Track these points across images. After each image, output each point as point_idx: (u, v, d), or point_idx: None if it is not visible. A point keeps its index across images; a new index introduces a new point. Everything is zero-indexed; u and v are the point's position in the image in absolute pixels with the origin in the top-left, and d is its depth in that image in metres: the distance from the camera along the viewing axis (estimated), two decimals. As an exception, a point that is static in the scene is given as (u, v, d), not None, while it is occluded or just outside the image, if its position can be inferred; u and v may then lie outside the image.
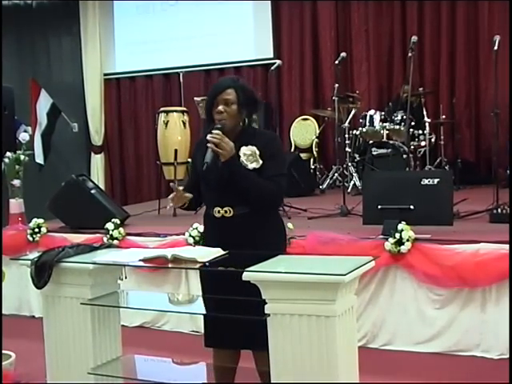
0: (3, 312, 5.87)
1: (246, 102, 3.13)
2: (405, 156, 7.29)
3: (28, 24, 9.47)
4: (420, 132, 7.87)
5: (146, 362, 3.54)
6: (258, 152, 3.10)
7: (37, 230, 5.79)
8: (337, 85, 7.15)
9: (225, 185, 3.09)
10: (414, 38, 6.37)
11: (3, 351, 4.07)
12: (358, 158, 8.05)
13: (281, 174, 3.14)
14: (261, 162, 3.09)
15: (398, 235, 4.44)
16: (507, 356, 4.18)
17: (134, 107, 10.50)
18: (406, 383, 3.88)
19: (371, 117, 7.91)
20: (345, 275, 2.47)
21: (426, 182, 4.84)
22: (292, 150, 9.02)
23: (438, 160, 7.96)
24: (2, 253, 5.18)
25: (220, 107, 3.10)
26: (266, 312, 2.60)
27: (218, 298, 3.07)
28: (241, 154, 3.09)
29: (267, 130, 3.27)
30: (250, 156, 3.09)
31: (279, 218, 3.30)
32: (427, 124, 7.86)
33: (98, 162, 10.56)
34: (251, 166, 3.08)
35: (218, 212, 3.14)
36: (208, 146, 3.05)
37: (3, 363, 3.90)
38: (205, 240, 3.38)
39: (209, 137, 3.04)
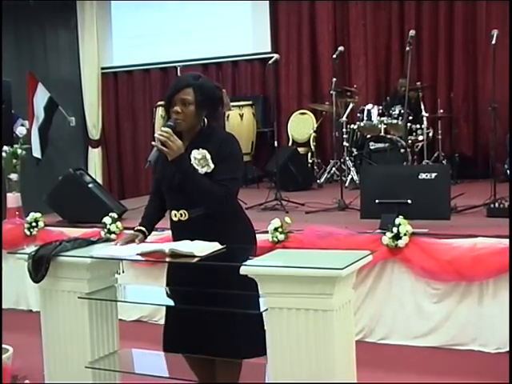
0: (0, 306, 5.89)
1: (205, 101, 3.00)
2: (402, 150, 7.30)
3: (25, 17, 9.44)
4: (418, 126, 7.87)
5: (143, 356, 3.53)
6: (208, 156, 2.97)
7: (34, 224, 5.79)
8: (334, 79, 7.14)
9: (177, 186, 3.01)
10: (412, 32, 6.37)
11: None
12: (355, 153, 8.04)
13: (231, 177, 3.00)
14: (212, 166, 2.97)
15: (395, 229, 4.44)
16: (504, 350, 4.19)
17: (131, 101, 10.48)
18: (404, 382, 3.88)
19: (369, 111, 7.90)
20: (342, 269, 2.47)
21: (423, 176, 4.84)
22: (289, 144, 9.03)
23: (435, 154, 7.96)
24: (1, 248, 5.19)
25: (177, 107, 2.99)
26: (263, 306, 2.60)
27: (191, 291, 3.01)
28: (192, 157, 2.98)
29: (224, 131, 3.12)
30: (200, 160, 2.97)
31: (242, 218, 3.17)
32: (425, 118, 7.86)
33: (95, 156, 10.54)
34: (202, 170, 2.97)
35: (175, 215, 3.07)
36: (153, 144, 2.96)
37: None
38: None
39: (156, 134, 2.96)
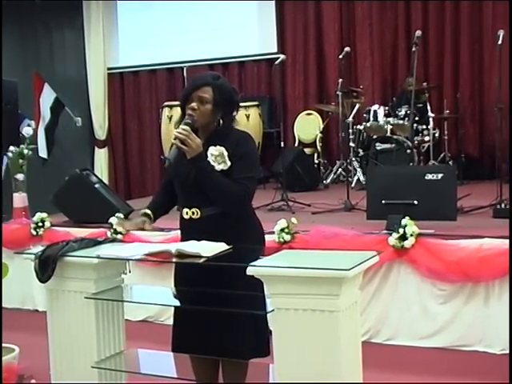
0: (7, 306, 5.90)
1: (222, 102, 2.99)
2: (409, 151, 7.29)
3: (31, 17, 9.46)
4: (424, 127, 7.86)
5: (149, 356, 3.54)
6: (226, 153, 2.97)
7: (40, 224, 5.80)
8: (341, 79, 7.13)
9: (191, 184, 2.99)
10: (418, 33, 6.36)
11: (7, 345, 4.08)
12: (361, 153, 8.03)
13: (248, 176, 2.99)
14: (229, 163, 2.97)
15: (401, 230, 4.44)
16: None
17: (137, 102, 10.49)
18: (410, 383, 3.88)
19: (375, 112, 7.90)
20: (349, 270, 2.47)
21: (429, 177, 4.84)
22: (296, 144, 9.02)
23: (441, 155, 7.95)
24: (1, 247, 5.21)
25: (193, 104, 2.98)
26: (269, 307, 2.60)
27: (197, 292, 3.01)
28: (208, 154, 2.97)
29: (240, 130, 3.12)
30: (217, 157, 2.96)
31: (253, 219, 3.17)
32: (431, 119, 7.86)
33: (101, 156, 10.56)
34: (219, 167, 2.96)
35: (186, 213, 3.06)
36: (173, 141, 2.95)
37: (7, 357, 3.91)
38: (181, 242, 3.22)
39: (175, 132, 2.94)
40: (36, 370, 3.88)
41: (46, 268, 3.06)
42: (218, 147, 2.98)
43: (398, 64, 8.88)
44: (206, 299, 2.96)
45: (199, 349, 3.06)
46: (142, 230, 3.19)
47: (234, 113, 3.12)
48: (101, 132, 10.50)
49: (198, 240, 2.92)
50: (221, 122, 3.06)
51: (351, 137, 8.00)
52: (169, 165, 2.99)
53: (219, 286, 2.92)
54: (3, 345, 4.08)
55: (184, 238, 3.08)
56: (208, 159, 2.96)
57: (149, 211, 3.20)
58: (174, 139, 2.94)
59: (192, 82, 3.08)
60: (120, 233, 5.35)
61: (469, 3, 8.35)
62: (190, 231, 3.05)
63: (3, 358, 3.88)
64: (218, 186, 2.95)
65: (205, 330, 3.01)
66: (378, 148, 7.64)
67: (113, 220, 5.44)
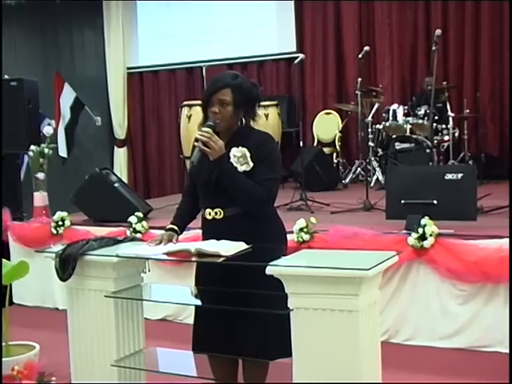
0: (28, 304, 5.97)
1: (243, 101, 2.99)
2: (428, 151, 7.25)
3: (52, 18, 9.52)
4: (443, 126, 7.83)
5: (168, 355, 3.55)
6: (248, 154, 2.97)
7: (60, 222, 5.84)
8: (360, 79, 7.12)
9: (215, 185, 2.99)
10: (438, 32, 6.32)
11: (28, 342, 4.12)
12: (380, 153, 8.01)
13: (271, 178, 2.98)
14: (251, 164, 2.96)
15: (421, 230, 4.42)
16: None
17: (156, 101, 10.54)
18: (429, 383, 3.86)
19: (394, 111, 7.88)
20: (368, 270, 2.46)
21: (449, 176, 4.81)
22: (315, 144, 9.01)
23: (461, 155, 7.91)
24: (1, 247, 5.26)
25: (215, 108, 2.97)
26: (289, 306, 2.60)
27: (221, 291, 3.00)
28: (231, 155, 2.96)
29: (262, 131, 3.10)
30: (240, 158, 2.96)
31: (276, 219, 3.16)
32: (451, 118, 7.82)
33: (121, 155, 10.61)
34: (241, 168, 2.95)
35: (209, 214, 3.05)
36: (195, 144, 2.95)
37: (28, 354, 3.95)
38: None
39: (197, 135, 2.94)
40: (56, 367, 3.91)
41: (66, 266, 3.08)
42: (240, 148, 2.98)
43: (418, 63, 8.86)
44: (228, 298, 2.96)
45: (221, 348, 3.05)
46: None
47: (257, 107, 3.10)
48: (120, 131, 10.55)
49: (222, 240, 2.92)
50: (243, 121, 3.05)
51: (370, 136, 7.99)
52: (192, 167, 2.99)
53: (241, 286, 2.92)
54: (24, 342, 4.12)
55: (206, 239, 3.07)
56: (231, 160, 2.96)
57: (175, 227, 3.19)
58: (196, 141, 2.94)
59: (211, 85, 3.07)
60: (139, 231, 5.38)
61: (489, 3, 8.30)
62: (212, 231, 3.04)
63: (24, 355, 3.92)
64: (240, 188, 2.94)
65: (227, 329, 3.01)
66: (398, 147, 7.61)
67: (132, 219, 5.47)
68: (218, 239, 2.94)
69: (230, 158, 2.97)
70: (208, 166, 2.97)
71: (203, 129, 2.95)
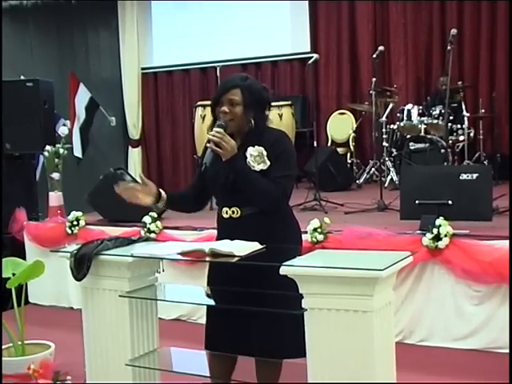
0: (43, 303, 6.00)
1: (253, 102, 2.99)
2: (443, 151, 7.22)
3: (68, 19, 9.57)
4: (458, 126, 7.79)
5: (182, 355, 3.56)
6: (265, 153, 2.97)
7: (75, 222, 5.87)
8: (374, 79, 7.11)
9: (232, 185, 3.00)
10: (454, 31, 6.29)
11: (43, 341, 4.14)
12: (395, 153, 7.99)
13: (285, 175, 2.98)
14: (268, 163, 2.96)
15: (435, 230, 4.40)
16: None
17: (171, 101, 10.56)
18: (443, 383, 3.85)
19: (409, 111, 7.85)
20: (382, 270, 2.46)
21: (464, 176, 4.79)
22: (329, 144, 9.00)
23: (476, 155, 7.87)
24: (1, 247, 5.30)
25: (224, 108, 2.98)
26: (303, 306, 2.60)
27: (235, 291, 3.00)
28: (247, 154, 2.97)
29: (276, 129, 3.13)
30: (257, 157, 2.97)
31: (292, 219, 3.16)
32: (466, 118, 7.78)
33: (135, 155, 10.64)
34: (258, 167, 2.96)
35: (226, 213, 3.06)
36: (207, 145, 2.95)
37: (43, 353, 3.97)
38: (217, 240, 3.20)
39: (209, 135, 2.95)
40: (71, 366, 3.93)
41: (81, 266, 3.09)
42: (256, 147, 2.98)
43: (433, 63, 8.82)
44: (242, 298, 2.96)
45: (233, 348, 3.06)
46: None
47: (267, 111, 3.11)
48: (134, 131, 10.58)
49: (234, 239, 2.93)
50: (253, 122, 3.04)
51: (384, 136, 7.96)
52: (205, 168, 3.00)
53: (254, 286, 2.92)
54: (39, 341, 4.15)
55: (221, 237, 3.08)
56: (248, 160, 2.96)
57: (163, 193, 3.21)
58: (208, 142, 2.95)
59: (221, 86, 3.10)
60: (153, 232, 5.40)
61: (505, 3, 8.25)
62: (228, 230, 3.05)
63: (40, 354, 3.95)
64: (255, 186, 2.95)
65: (240, 329, 3.01)
66: (412, 148, 7.59)
67: (146, 219, 5.48)
68: (234, 238, 2.94)
69: (246, 157, 2.97)
70: (225, 167, 2.98)
71: (215, 129, 2.95)
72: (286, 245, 3.02)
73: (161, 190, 3.23)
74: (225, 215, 3.07)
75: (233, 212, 3.04)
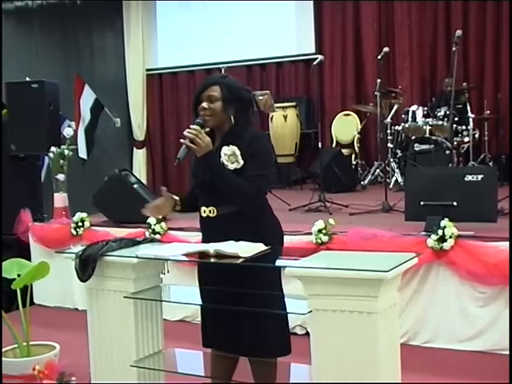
0: (48, 304, 6.01)
1: (232, 99, 3.03)
2: (448, 152, 7.21)
3: (73, 20, 9.59)
4: (463, 128, 7.78)
5: (186, 356, 3.57)
6: (238, 152, 3.00)
7: (80, 223, 5.87)
8: (379, 80, 7.10)
9: (209, 184, 3.03)
10: (459, 32, 6.28)
11: (48, 342, 4.15)
12: (399, 154, 7.98)
13: (260, 174, 3.00)
14: (241, 162, 2.99)
15: (440, 232, 4.40)
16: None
17: (175, 102, 10.57)
18: (448, 383, 3.85)
19: (414, 112, 7.84)
20: (387, 272, 2.46)
21: (469, 178, 4.78)
22: (333, 145, 9.00)
23: (481, 156, 7.86)
24: (1, 247, 5.31)
25: (204, 104, 3.04)
26: (307, 307, 2.61)
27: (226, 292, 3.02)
28: (222, 153, 3.01)
29: (256, 130, 3.19)
30: (230, 156, 3.00)
31: (272, 219, 3.18)
32: (471, 119, 7.77)
33: (140, 156, 10.65)
34: (232, 166, 3.00)
35: (204, 212, 3.10)
36: (181, 141, 3.00)
37: (48, 354, 3.98)
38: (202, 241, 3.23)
39: (185, 132, 3.00)
40: (76, 367, 3.93)
41: (86, 267, 3.10)
42: (230, 147, 3.02)
43: (437, 64, 8.81)
44: (227, 298, 2.99)
45: (224, 347, 3.12)
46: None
47: (250, 111, 3.15)
48: (139, 133, 10.60)
49: (211, 238, 2.98)
50: (233, 121, 3.08)
51: (389, 137, 7.94)
52: (177, 163, 3.05)
53: (237, 286, 2.95)
54: (44, 342, 4.16)
55: (203, 237, 3.14)
56: (221, 159, 3.00)
57: (177, 198, 3.25)
58: (184, 138, 3.00)
59: (200, 84, 3.14)
60: (158, 233, 5.40)
61: (509, 3, 8.23)
62: (207, 229, 3.11)
63: (45, 355, 3.95)
64: (228, 184, 2.98)
65: (228, 328, 3.05)
66: (417, 149, 7.58)
67: (151, 220, 5.48)
68: (213, 237, 2.98)
69: (220, 156, 3.01)
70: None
71: (191, 126, 3.01)
72: (265, 243, 3.00)
73: (174, 196, 3.25)
74: (203, 214, 3.11)
75: (210, 211, 3.08)
